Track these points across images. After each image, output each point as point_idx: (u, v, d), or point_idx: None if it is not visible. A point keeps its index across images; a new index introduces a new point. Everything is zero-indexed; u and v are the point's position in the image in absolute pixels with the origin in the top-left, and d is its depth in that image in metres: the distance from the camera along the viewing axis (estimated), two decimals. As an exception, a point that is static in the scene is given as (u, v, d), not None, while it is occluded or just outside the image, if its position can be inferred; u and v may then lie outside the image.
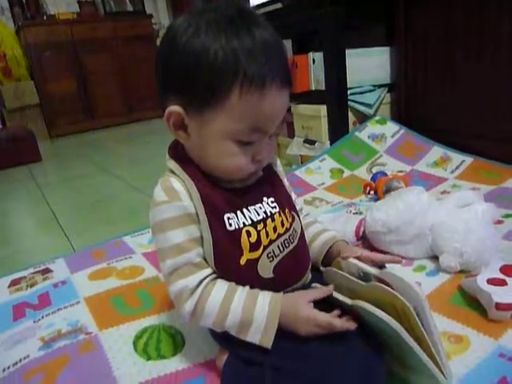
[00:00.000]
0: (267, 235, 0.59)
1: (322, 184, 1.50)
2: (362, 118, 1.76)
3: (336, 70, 1.63)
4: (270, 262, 0.59)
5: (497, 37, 1.34)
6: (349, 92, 1.69)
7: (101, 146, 3.30)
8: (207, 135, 0.55)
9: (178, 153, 0.61)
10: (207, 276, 0.57)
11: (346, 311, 0.55)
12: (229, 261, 0.58)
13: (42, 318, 0.84)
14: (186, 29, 0.52)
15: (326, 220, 1.06)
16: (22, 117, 3.78)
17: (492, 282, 0.70)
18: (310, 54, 1.75)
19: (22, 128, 3.18)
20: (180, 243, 0.56)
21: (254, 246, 0.58)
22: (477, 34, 1.39)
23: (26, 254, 1.32)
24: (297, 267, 0.64)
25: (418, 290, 0.50)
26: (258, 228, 0.59)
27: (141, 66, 4.19)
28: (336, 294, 0.56)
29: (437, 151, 1.53)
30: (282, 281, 0.61)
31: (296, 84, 1.78)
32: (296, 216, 0.66)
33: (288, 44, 2.17)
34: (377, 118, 1.73)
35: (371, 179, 1.37)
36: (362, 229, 1.00)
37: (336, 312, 0.55)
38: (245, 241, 0.58)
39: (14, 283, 1.02)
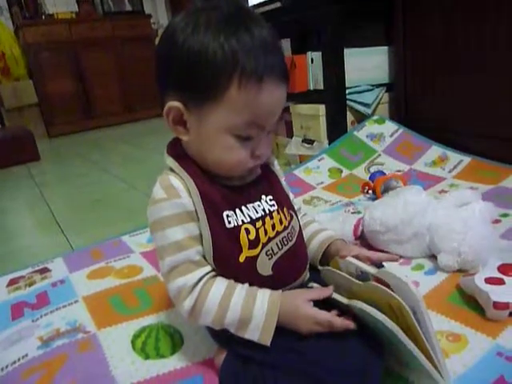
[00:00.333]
0: (266, 233, 0.60)
1: (321, 183, 1.50)
2: (361, 118, 1.76)
3: (334, 69, 1.63)
4: (269, 259, 0.60)
5: (496, 37, 1.34)
6: (347, 91, 1.70)
7: (99, 146, 3.30)
8: (206, 129, 0.55)
9: (177, 151, 0.61)
10: (206, 274, 0.57)
11: (344, 311, 0.55)
12: (228, 258, 0.58)
13: (41, 317, 0.84)
14: (185, 27, 0.53)
15: (325, 219, 1.06)
16: (21, 116, 3.78)
17: (490, 281, 0.70)
18: (309, 54, 1.75)
19: (20, 127, 3.18)
20: (179, 241, 0.57)
21: (252, 244, 0.58)
22: (476, 33, 1.39)
23: (24, 253, 1.31)
24: (295, 265, 0.64)
25: (415, 290, 0.50)
26: (257, 226, 0.59)
27: (140, 66, 4.19)
28: (333, 295, 0.57)
29: (435, 151, 1.53)
30: (281, 279, 0.61)
31: (294, 83, 1.77)
32: (294, 215, 0.67)
33: (286, 43, 2.17)
34: (375, 117, 1.73)
35: (369, 178, 1.37)
36: (360, 228, 1.00)
37: (335, 311, 0.55)
38: (244, 238, 0.58)
39: (12, 282, 1.02)
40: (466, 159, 1.44)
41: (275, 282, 0.60)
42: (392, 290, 0.52)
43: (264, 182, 0.64)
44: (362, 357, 0.52)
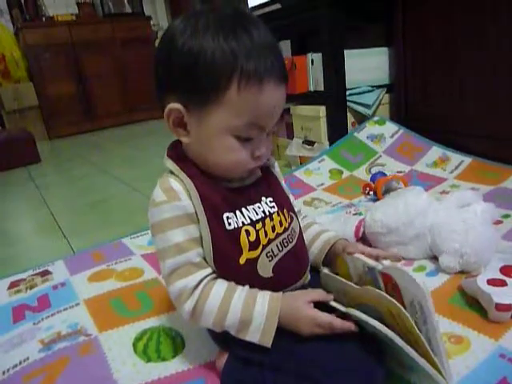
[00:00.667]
0: (266, 234, 0.60)
1: (322, 185, 1.50)
2: (361, 119, 1.76)
3: (335, 70, 1.63)
4: (270, 261, 0.60)
5: (496, 37, 1.34)
6: (347, 93, 1.70)
7: (100, 147, 3.30)
8: (207, 131, 0.55)
9: (177, 153, 0.61)
10: (207, 276, 0.57)
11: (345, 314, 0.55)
12: (228, 260, 0.58)
13: (42, 320, 0.83)
14: (184, 29, 0.53)
15: (326, 221, 1.06)
16: (21, 118, 3.79)
17: (492, 282, 0.70)
18: (309, 55, 1.75)
19: (21, 129, 3.19)
20: (179, 243, 0.57)
21: (253, 245, 0.58)
22: (476, 34, 1.39)
23: (25, 255, 1.31)
24: (296, 267, 0.64)
25: (422, 286, 0.50)
26: (257, 227, 0.59)
27: (140, 68, 4.20)
28: (332, 302, 0.57)
29: (436, 151, 1.53)
30: (282, 281, 0.61)
31: (295, 85, 1.77)
32: (294, 216, 0.67)
33: (287, 45, 2.17)
34: (375, 118, 1.73)
35: (370, 180, 1.37)
36: (361, 229, 1.00)
37: (335, 314, 0.55)
38: (244, 240, 0.58)
39: (13, 285, 1.02)
40: (467, 160, 1.44)
41: (276, 283, 0.60)
42: (398, 285, 0.52)
43: (264, 183, 0.64)
44: (362, 359, 0.52)
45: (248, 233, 0.58)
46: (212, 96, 0.53)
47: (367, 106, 1.73)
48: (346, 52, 1.64)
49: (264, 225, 0.60)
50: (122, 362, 0.69)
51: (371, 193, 1.32)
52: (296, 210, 0.70)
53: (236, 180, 0.61)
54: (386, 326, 0.51)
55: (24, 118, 3.79)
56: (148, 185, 0.71)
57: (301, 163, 1.77)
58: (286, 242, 0.62)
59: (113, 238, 1.25)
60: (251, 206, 0.60)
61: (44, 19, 3.97)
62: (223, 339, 0.62)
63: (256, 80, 0.52)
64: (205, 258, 0.58)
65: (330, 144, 1.69)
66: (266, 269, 0.59)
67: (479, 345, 0.63)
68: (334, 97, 1.66)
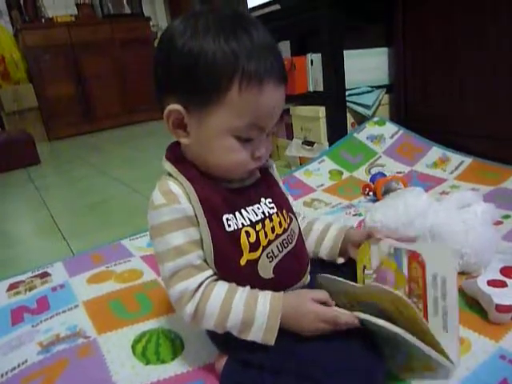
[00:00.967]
0: (266, 235, 0.60)
1: (321, 185, 1.50)
2: (361, 119, 1.76)
3: (334, 71, 1.63)
4: (270, 262, 0.60)
5: (496, 37, 1.33)
6: (347, 93, 1.70)
7: (99, 149, 3.29)
8: (207, 132, 0.55)
9: (175, 155, 0.61)
10: (208, 278, 0.57)
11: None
12: (229, 262, 0.58)
13: (41, 322, 0.83)
14: (184, 30, 0.53)
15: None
16: (21, 120, 3.78)
17: (492, 283, 0.70)
18: (309, 56, 1.75)
19: (20, 131, 3.18)
20: (180, 245, 0.56)
21: (253, 247, 0.58)
22: (476, 34, 1.39)
23: (24, 257, 1.31)
24: (296, 268, 0.64)
25: (453, 258, 0.50)
26: (257, 228, 0.59)
27: (139, 69, 4.18)
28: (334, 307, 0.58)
29: (436, 152, 1.53)
30: (282, 281, 0.61)
31: (294, 85, 1.77)
32: (293, 217, 0.66)
33: (286, 45, 2.17)
34: (375, 119, 1.73)
35: (370, 180, 1.36)
36: (361, 230, 0.99)
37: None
38: (244, 241, 0.58)
39: (12, 287, 1.01)
40: (467, 160, 1.44)
41: (276, 284, 0.59)
42: (424, 262, 0.54)
43: (263, 184, 0.64)
44: (363, 358, 0.52)
45: (248, 234, 0.58)
46: (213, 97, 0.53)
47: (367, 107, 1.73)
48: (345, 52, 1.64)
49: (264, 226, 0.60)
50: (121, 365, 0.68)
51: (371, 193, 1.32)
52: (295, 211, 0.69)
53: (236, 181, 0.61)
54: (391, 321, 0.51)
55: (23, 120, 3.79)
56: (148, 186, 0.71)
57: (300, 164, 1.76)
58: (286, 242, 0.62)
59: (112, 240, 1.25)
60: (250, 207, 0.60)
61: (43, 20, 3.97)
62: (222, 341, 0.62)
63: (256, 81, 0.52)
64: (205, 260, 0.58)
65: (330, 145, 1.69)
66: (266, 270, 0.59)
67: (479, 346, 0.63)
68: (334, 97, 1.66)
